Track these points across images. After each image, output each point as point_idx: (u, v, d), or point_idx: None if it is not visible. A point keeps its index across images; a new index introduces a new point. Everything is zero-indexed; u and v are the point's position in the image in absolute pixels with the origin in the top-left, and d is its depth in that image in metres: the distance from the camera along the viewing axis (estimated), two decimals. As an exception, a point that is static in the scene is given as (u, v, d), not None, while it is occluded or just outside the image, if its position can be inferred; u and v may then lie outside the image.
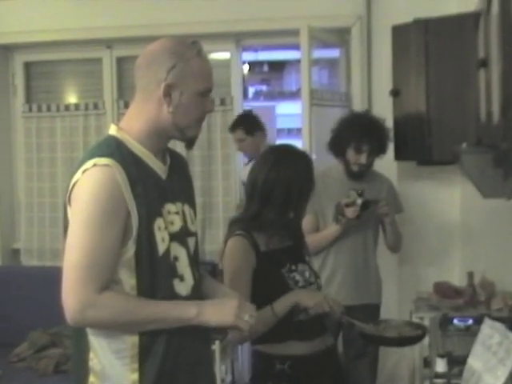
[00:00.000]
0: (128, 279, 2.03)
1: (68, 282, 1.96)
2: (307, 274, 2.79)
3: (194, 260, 2.21)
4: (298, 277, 2.74)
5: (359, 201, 3.69)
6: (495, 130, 2.50)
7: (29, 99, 5.54)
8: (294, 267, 2.75)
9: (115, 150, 2.04)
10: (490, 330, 2.39)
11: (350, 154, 3.81)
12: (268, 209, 2.69)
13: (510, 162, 2.15)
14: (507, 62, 2.13)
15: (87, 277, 1.94)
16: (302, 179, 2.74)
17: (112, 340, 2.06)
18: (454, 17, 3.74)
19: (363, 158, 3.79)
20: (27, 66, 5.54)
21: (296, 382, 2.68)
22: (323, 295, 2.69)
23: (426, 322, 3.45)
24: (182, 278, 2.12)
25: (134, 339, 2.04)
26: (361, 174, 3.86)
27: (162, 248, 2.06)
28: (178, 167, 2.28)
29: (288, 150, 2.83)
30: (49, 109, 5.41)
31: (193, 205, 2.30)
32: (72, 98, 5.53)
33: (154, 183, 2.11)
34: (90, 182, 1.98)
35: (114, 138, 2.11)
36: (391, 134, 3.91)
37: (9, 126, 5.53)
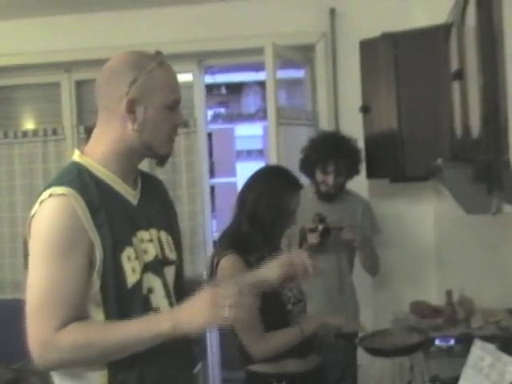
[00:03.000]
0: (96, 315, 1.89)
1: (29, 324, 1.83)
2: (295, 290, 2.84)
3: (174, 290, 2.06)
4: (289, 293, 2.81)
5: (320, 227, 3.60)
6: (474, 144, 2.44)
7: (-15, 126, 5.36)
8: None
9: (75, 177, 1.92)
10: (480, 352, 2.29)
11: (318, 174, 3.76)
12: (255, 229, 2.74)
13: (493, 175, 2.09)
14: (487, 73, 2.08)
15: (45, 316, 1.81)
16: (291, 204, 2.81)
17: (77, 379, 1.91)
18: (423, 29, 3.68)
19: (330, 179, 3.73)
20: (-18, 92, 5.38)
21: None
22: (346, 317, 2.85)
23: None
24: (157, 311, 1.97)
25: (103, 381, 1.89)
26: (330, 195, 3.79)
27: (131, 280, 1.92)
28: (153, 191, 2.16)
29: (280, 172, 2.91)
30: (6, 135, 5.24)
31: (171, 230, 2.15)
32: (30, 124, 5.38)
33: (123, 210, 1.98)
34: (46, 214, 1.86)
35: (75, 165, 1.98)
36: (362, 153, 3.83)
37: (-35, 155, 5.33)
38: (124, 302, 1.90)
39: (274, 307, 2.69)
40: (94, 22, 4.85)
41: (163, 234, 2.09)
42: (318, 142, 3.85)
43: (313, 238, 3.63)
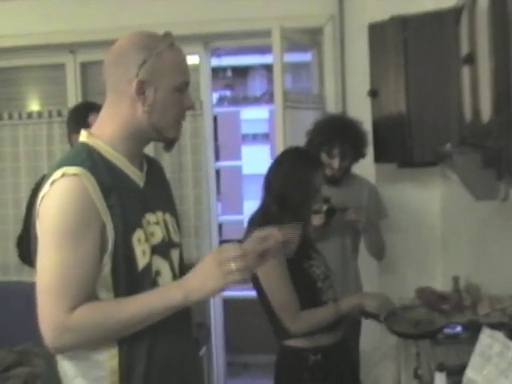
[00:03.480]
0: (106, 297, 1.87)
1: (41, 307, 1.82)
2: (322, 268, 3.00)
3: (177, 272, 2.05)
4: (317, 271, 2.96)
5: (324, 207, 3.56)
6: (484, 129, 2.41)
7: (-11, 107, 5.34)
8: (311, 262, 2.96)
9: (86, 157, 1.90)
10: (489, 340, 2.27)
11: (323, 157, 3.69)
12: (284, 209, 2.86)
13: (503, 161, 2.07)
14: (499, 57, 2.05)
15: (59, 299, 1.80)
16: (316, 182, 2.96)
17: (88, 369, 1.91)
18: (432, 13, 3.63)
19: (335, 163, 3.68)
20: (-13, 72, 5.34)
21: (327, 371, 2.88)
22: (386, 298, 2.95)
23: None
24: None
25: (112, 363, 1.89)
26: (336, 179, 3.74)
27: (142, 262, 1.90)
28: (156, 173, 2.14)
29: (302, 153, 3.08)
30: (10, 117, 5.20)
31: (174, 213, 2.15)
32: (35, 106, 5.35)
33: (132, 191, 1.96)
34: (58, 195, 1.82)
35: (84, 145, 1.96)
36: (370, 136, 3.79)
37: (-31, 136, 5.31)
38: (135, 284, 1.89)
39: (306, 285, 2.90)
40: (100, 3, 4.81)
41: (168, 217, 2.08)
42: (323, 124, 3.80)
43: (317, 220, 3.56)
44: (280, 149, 4.14)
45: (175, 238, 2.09)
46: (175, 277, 2.02)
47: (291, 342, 2.92)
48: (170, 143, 2.05)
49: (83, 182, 1.82)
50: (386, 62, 3.83)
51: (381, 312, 2.90)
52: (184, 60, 2.01)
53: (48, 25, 4.89)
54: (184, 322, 2.05)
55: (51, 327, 1.80)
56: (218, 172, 7.11)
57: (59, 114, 5.12)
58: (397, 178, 4.24)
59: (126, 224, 1.88)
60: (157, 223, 2.00)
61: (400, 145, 3.81)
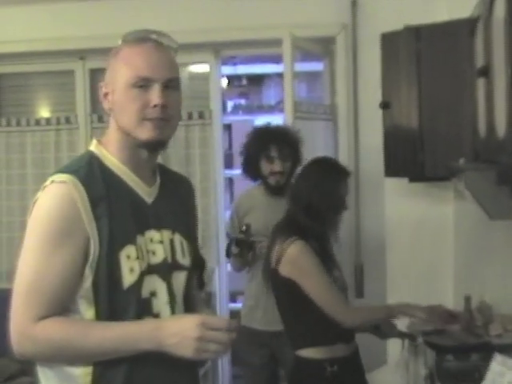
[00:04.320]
0: (86, 311, 1.80)
1: (12, 310, 1.77)
2: (340, 280, 3.04)
3: (179, 297, 1.94)
4: (337, 283, 2.98)
5: (239, 236, 3.57)
6: (499, 144, 2.31)
7: (-3, 113, 5.29)
8: (332, 274, 2.99)
9: (84, 165, 1.84)
10: (500, 368, 2.17)
11: (263, 165, 3.72)
12: (311, 218, 2.92)
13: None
14: (516, 69, 1.96)
15: (27, 304, 1.74)
16: (343, 191, 3.02)
17: (63, 380, 1.83)
18: (447, 23, 3.53)
19: (277, 166, 3.69)
20: (-4, 78, 5.31)
21: (343, 382, 2.93)
22: (429, 308, 3.02)
23: (421, 351, 3.22)
24: (156, 317, 1.86)
25: (86, 370, 1.80)
26: (281, 187, 3.71)
27: (128, 280, 1.81)
28: (175, 191, 2.05)
29: (328, 163, 3.14)
30: (19, 123, 5.16)
31: (188, 234, 2.04)
32: (43, 112, 5.31)
33: (131, 205, 1.88)
34: (44, 201, 1.79)
35: (88, 153, 1.91)
36: (380, 149, 3.72)
37: (-23, 142, 5.27)
38: (117, 302, 1.80)
39: None
40: (110, 10, 4.75)
41: (177, 237, 1.98)
42: (256, 133, 3.89)
43: (234, 248, 3.63)
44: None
45: (182, 260, 1.99)
46: (172, 301, 1.91)
47: (308, 353, 2.95)
48: (146, 146, 1.91)
49: (70, 189, 1.77)
50: (399, 73, 3.73)
51: (428, 324, 3.01)
52: (146, 55, 1.88)
53: (58, 31, 4.85)
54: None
55: (15, 332, 1.76)
56: (231, 180, 7.04)
57: (67, 120, 5.09)
58: (408, 192, 4.14)
59: (114, 238, 1.80)
60: (160, 242, 1.92)
61: (412, 158, 3.71)
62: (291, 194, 3.11)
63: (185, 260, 1.99)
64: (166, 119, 1.88)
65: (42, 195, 1.80)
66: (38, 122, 5.15)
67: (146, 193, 1.93)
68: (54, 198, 1.77)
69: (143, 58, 1.87)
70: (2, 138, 5.19)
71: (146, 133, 1.87)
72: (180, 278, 1.97)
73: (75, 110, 5.10)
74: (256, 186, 3.94)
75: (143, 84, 1.85)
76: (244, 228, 3.58)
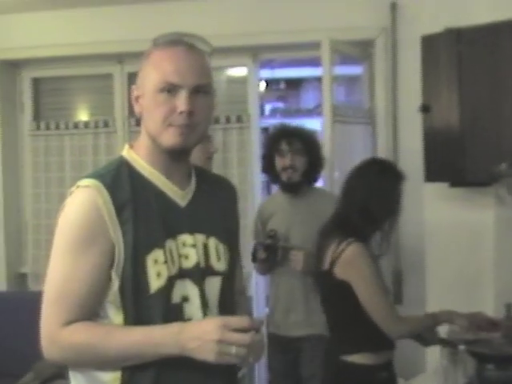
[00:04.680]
0: (114, 316, 1.79)
1: (41, 315, 1.77)
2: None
3: (212, 303, 1.90)
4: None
5: (267, 242, 3.54)
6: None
7: (37, 117, 5.35)
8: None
9: (112, 170, 1.84)
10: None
11: (277, 162, 3.72)
12: (366, 220, 2.88)
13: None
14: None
15: (55, 310, 1.74)
16: (399, 195, 2.96)
17: (90, 377, 1.82)
18: (489, 25, 3.46)
19: (287, 159, 3.66)
20: (35, 82, 5.36)
21: None
22: (471, 316, 3.00)
23: (461, 360, 3.16)
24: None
25: (115, 375, 1.78)
26: (295, 185, 3.70)
27: (155, 285, 1.78)
28: (214, 194, 2.01)
29: (385, 165, 3.08)
30: (57, 127, 5.20)
31: (225, 239, 1.98)
32: (81, 116, 5.34)
33: (161, 209, 1.84)
34: (69, 206, 1.79)
35: (120, 159, 1.90)
36: (420, 154, 3.66)
37: (16, 145, 5.33)
38: (144, 307, 1.78)
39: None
40: (148, 13, 4.76)
41: (212, 241, 1.93)
42: (269, 134, 3.97)
43: (261, 253, 3.59)
44: (328, 163, 4.05)
45: (217, 265, 1.93)
46: (205, 306, 1.87)
47: (356, 359, 2.90)
48: (170, 152, 1.87)
49: (93, 194, 1.75)
50: (439, 76, 3.68)
51: (468, 331, 2.96)
52: (176, 59, 1.83)
53: (96, 35, 4.88)
54: None
55: (44, 337, 1.76)
56: (268, 183, 7.02)
57: (106, 124, 5.11)
58: (448, 198, 4.07)
59: (140, 242, 1.78)
60: (193, 246, 1.88)
61: (452, 163, 3.65)
62: (344, 192, 3.03)
63: (220, 265, 1.94)
64: (192, 126, 1.84)
65: (68, 201, 1.80)
66: (76, 126, 5.18)
67: (179, 196, 1.91)
68: (77, 203, 1.77)
69: (172, 63, 1.82)
70: (40, 142, 5.23)
71: (169, 139, 1.83)
72: (214, 283, 1.92)
73: (113, 114, 5.12)
74: (278, 190, 3.95)
75: (170, 89, 1.81)
76: (272, 233, 3.55)
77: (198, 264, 1.87)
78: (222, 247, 1.95)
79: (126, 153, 1.92)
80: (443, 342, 2.99)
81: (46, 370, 4.29)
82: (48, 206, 5.20)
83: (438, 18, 3.88)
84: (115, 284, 1.76)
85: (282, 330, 3.78)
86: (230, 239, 2.01)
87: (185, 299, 1.83)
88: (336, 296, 2.97)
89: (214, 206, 2.00)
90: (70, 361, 1.80)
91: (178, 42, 1.86)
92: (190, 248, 1.87)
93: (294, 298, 3.69)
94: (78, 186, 1.79)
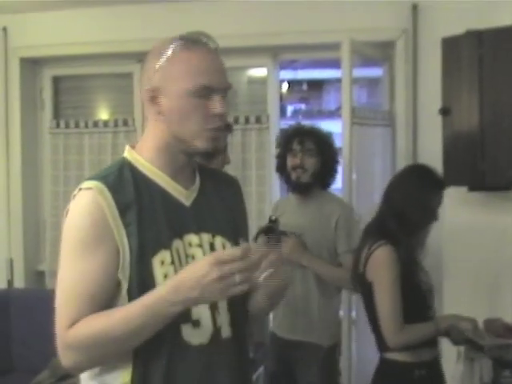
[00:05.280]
0: None
1: (55, 323, 1.74)
2: (429, 284, 3.05)
3: (222, 303, 1.86)
4: (423, 286, 3.00)
5: (267, 225, 3.47)
6: None
7: (56, 115, 5.36)
8: (420, 278, 3.01)
9: (114, 171, 1.81)
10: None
11: (288, 161, 3.71)
12: (400, 225, 2.93)
13: None
14: None
15: (62, 315, 1.72)
16: (436, 204, 3.02)
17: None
18: (510, 28, 3.43)
19: (297, 159, 3.64)
20: (55, 80, 5.37)
21: None
22: (476, 322, 2.99)
23: (477, 365, 3.13)
24: (196, 324, 1.80)
25: (125, 379, 1.76)
26: (304, 186, 3.67)
27: None
28: (216, 192, 1.98)
29: (426, 172, 3.07)
30: (77, 125, 5.21)
31: (233, 237, 1.95)
32: (101, 114, 5.34)
33: (166, 209, 1.82)
34: (72, 209, 1.77)
35: (122, 159, 1.87)
36: (440, 157, 3.63)
37: (35, 143, 5.35)
38: None
39: (416, 300, 2.96)
40: (168, 12, 4.75)
41: (219, 240, 1.91)
42: (282, 132, 3.97)
43: (260, 238, 3.47)
44: (347, 165, 4.02)
45: None
46: (213, 306, 1.84)
47: (395, 356, 2.96)
48: (204, 155, 1.89)
49: (96, 196, 1.73)
50: (460, 78, 3.64)
51: (473, 336, 2.94)
52: (205, 61, 1.80)
53: (116, 33, 4.88)
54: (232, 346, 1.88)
55: (58, 344, 1.73)
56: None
57: (125, 123, 5.10)
58: (467, 202, 4.03)
59: (145, 244, 1.75)
60: (199, 245, 1.85)
61: (472, 167, 3.62)
62: (383, 197, 3.08)
63: None
64: (225, 128, 1.85)
65: (72, 203, 1.78)
66: (95, 124, 5.18)
67: (184, 195, 1.88)
68: (81, 205, 1.75)
69: (204, 65, 1.80)
70: (60, 140, 5.24)
71: (205, 142, 1.82)
72: None
73: (133, 113, 5.11)
74: (290, 194, 3.91)
75: (206, 93, 1.79)
76: (273, 218, 3.51)
77: None
78: (229, 245, 1.92)
79: (128, 154, 1.88)
80: (469, 343, 3.01)
81: (62, 367, 4.27)
82: (66, 204, 5.18)
83: (459, 20, 3.85)
84: (124, 287, 1.74)
85: (278, 331, 3.77)
86: (238, 237, 1.98)
87: None
88: (369, 296, 3.01)
89: (220, 203, 1.98)
90: (81, 362, 1.74)
91: (199, 41, 1.82)
92: (196, 248, 1.85)
93: (306, 301, 3.66)
94: (80, 189, 1.77)
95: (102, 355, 1.73)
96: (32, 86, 5.31)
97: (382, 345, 3.00)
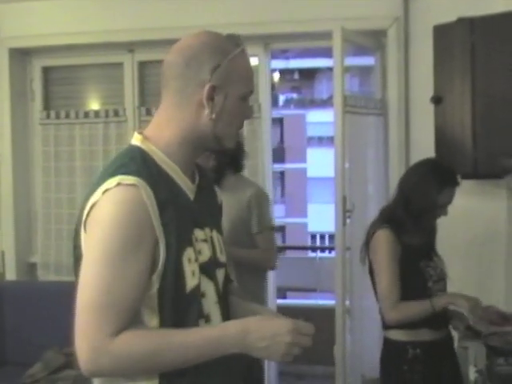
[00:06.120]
0: (149, 320, 1.71)
1: (80, 326, 1.64)
2: (438, 270, 3.18)
3: (223, 296, 1.89)
4: (431, 272, 3.13)
5: None
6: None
7: (47, 105, 5.32)
8: (428, 263, 3.14)
9: (141, 165, 1.73)
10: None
11: None
12: (407, 213, 3.08)
13: None
14: None
15: (103, 319, 1.63)
16: (441, 198, 3.09)
17: None
18: (503, 15, 3.42)
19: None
20: (45, 70, 5.33)
21: (426, 365, 3.04)
22: (477, 301, 3.01)
23: (472, 353, 3.14)
24: (207, 319, 1.79)
25: None
26: (216, 179, 3.56)
27: (191, 284, 1.74)
28: (207, 187, 1.99)
29: (437, 167, 3.17)
30: (67, 116, 5.18)
31: (221, 231, 2.00)
32: (92, 105, 5.31)
33: (183, 205, 1.80)
34: (113, 205, 1.66)
35: (138, 150, 1.79)
36: (432, 145, 3.61)
37: (26, 134, 5.31)
38: (181, 307, 1.73)
39: (416, 282, 3.07)
40: (159, 2, 4.73)
41: (215, 234, 1.92)
42: None
43: None
44: (339, 154, 4.02)
45: (221, 257, 1.93)
46: (220, 299, 1.85)
47: (393, 335, 3.11)
48: (224, 152, 1.93)
49: (141, 193, 1.66)
50: (452, 66, 3.64)
51: (470, 315, 3.00)
52: (250, 66, 1.88)
53: (106, 23, 4.86)
54: (236, 362, 1.89)
55: (89, 349, 1.63)
56: (282, 174, 6.99)
57: (116, 113, 5.08)
58: (460, 190, 3.99)
59: (178, 242, 1.72)
60: (205, 240, 1.85)
61: (464, 155, 3.62)
62: (398, 184, 3.23)
63: (223, 257, 1.95)
64: None
65: (108, 199, 1.68)
66: (86, 115, 5.15)
67: (191, 190, 1.86)
68: (124, 202, 1.67)
69: (251, 70, 1.88)
70: (50, 131, 5.21)
71: (233, 142, 1.89)
72: (221, 275, 1.92)
73: (123, 103, 5.09)
74: None
75: (248, 97, 1.86)
76: None
77: (210, 258, 1.85)
78: (221, 239, 1.96)
79: (143, 144, 1.80)
80: (470, 329, 3.09)
81: (55, 360, 4.30)
82: (58, 196, 5.19)
83: (451, 7, 3.85)
84: (154, 286, 1.70)
85: None
86: (222, 230, 2.03)
87: (202, 295, 1.79)
88: (372, 275, 3.16)
89: (210, 198, 2.00)
90: (121, 370, 1.69)
91: (243, 45, 1.86)
92: (202, 243, 1.83)
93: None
94: (118, 184, 1.67)
95: (145, 370, 1.70)
96: (22, 76, 5.28)
97: (383, 323, 3.14)
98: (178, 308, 1.72)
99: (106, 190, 1.67)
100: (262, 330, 1.67)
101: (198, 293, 1.76)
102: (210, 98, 1.77)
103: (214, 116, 1.78)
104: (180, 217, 1.74)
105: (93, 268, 1.66)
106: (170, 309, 1.71)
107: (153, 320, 1.71)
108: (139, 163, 1.74)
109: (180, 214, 1.75)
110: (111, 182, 1.67)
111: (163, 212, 1.69)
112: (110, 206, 1.66)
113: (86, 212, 1.70)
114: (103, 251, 1.65)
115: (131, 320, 1.66)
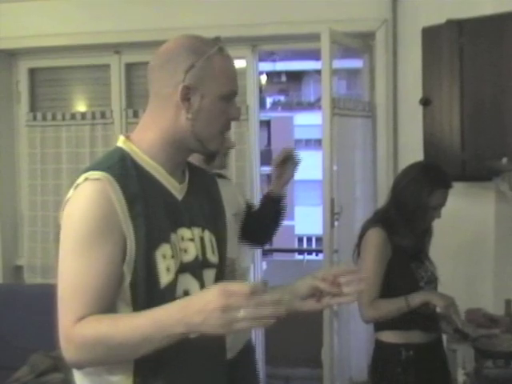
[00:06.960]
0: (124, 313, 1.74)
1: (58, 317, 1.70)
2: (429, 272, 3.20)
3: None
4: (423, 273, 3.16)
5: None
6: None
7: (33, 107, 5.31)
8: (420, 264, 3.18)
9: (116, 163, 1.78)
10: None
11: None
12: (399, 214, 3.10)
13: None
14: None
15: (69, 308, 1.68)
16: (431, 200, 3.09)
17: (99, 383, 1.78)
18: (491, 17, 3.40)
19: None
20: (32, 72, 5.32)
21: (419, 367, 3.05)
22: (453, 300, 3.00)
23: (460, 356, 3.14)
24: None
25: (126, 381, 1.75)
26: None
27: (165, 279, 1.76)
28: (202, 186, 2.00)
29: (429, 169, 3.19)
30: (54, 117, 5.16)
31: (217, 231, 2.00)
32: (78, 107, 5.30)
33: (164, 203, 1.83)
34: (79, 199, 1.72)
35: (119, 150, 1.84)
36: (420, 147, 3.62)
37: (12, 136, 5.29)
38: (154, 302, 1.72)
39: (407, 282, 3.09)
40: (146, 4, 4.73)
41: (207, 234, 1.94)
42: None
43: None
44: (327, 156, 4.01)
45: (211, 258, 1.94)
46: None
47: (385, 337, 3.13)
48: (210, 156, 1.92)
49: (105, 187, 1.70)
50: (440, 68, 3.63)
51: (446, 312, 2.99)
52: (233, 67, 1.88)
53: (93, 25, 4.84)
54: (215, 357, 1.92)
55: (61, 337, 1.68)
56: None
57: (103, 115, 5.07)
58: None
59: (150, 237, 1.74)
60: (191, 239, 1.87)
61: (452, 157, 3.61)
62: (391, 186, 3.27)
63: (214, 257, 1.96)
64: None
65: (76, 194, 1.74)
66: (73, 117, 5.13)
67: (177, 190, 1.89)
68: (89, 195, 1.71)
69: (234, 71, 1.87)
70: (37, 133, 5.19)
71: (217, 145, 1.88)
72: (210, 276, 1.93)
73: (110, 105, 5.07)
74: None
75: (230, 98, 1.85)
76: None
77: (197, 258, 1.87)
78: (214, 239, 1.97)
79: (124, 145, 1.85)
80: (457, 332, 3.10)
81: (42, 363, 4.28)
82: (44, 198, 5.17)
83: (440, 9, 3.84)
84: (126, 279, 1.72)
85: None
86: (222, 232, 2.03)
87: (186, 293, 1.80)
88: None
89: (205, 198, 2.01)
90: (85, 359, 1.70)
91: (223, 47, 1.86)
92: (188, 242, 1.86)
93: None
94: (86, 179, 1.73)
95: (106, 357, 1.70)
96: (8, 78, 5.26)
97: (376, 324, 3.17)
98: (152, 302, 1.72)
99: (76, 186, 1.73)
100: (196, 303, 1.62)
101: (173, 289, 1.78)
102: (186, 99, 1.80)
103: (190, 116, 1.81)
104: (155, 213, 1.77)
105: (63, 260, 1.72)
106: (143, 303, 1.72)
107: (127, 313, 1.74)
108: (114, 161, 1.79)
109: (155, 211, 1.78)
110: (81, 178, 1.73)
111: (132, 207, 1.72)
112: (78, 200, 1.72)
113: (62, 207, 1.76)
114: (71, 244, 1.71)
115: (101, 310, 1.69)
